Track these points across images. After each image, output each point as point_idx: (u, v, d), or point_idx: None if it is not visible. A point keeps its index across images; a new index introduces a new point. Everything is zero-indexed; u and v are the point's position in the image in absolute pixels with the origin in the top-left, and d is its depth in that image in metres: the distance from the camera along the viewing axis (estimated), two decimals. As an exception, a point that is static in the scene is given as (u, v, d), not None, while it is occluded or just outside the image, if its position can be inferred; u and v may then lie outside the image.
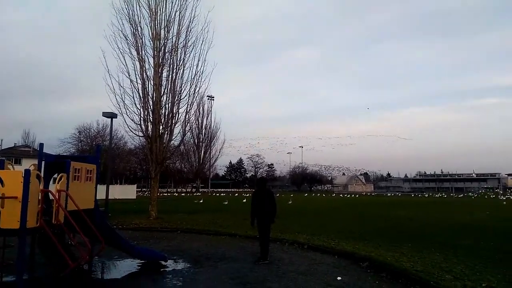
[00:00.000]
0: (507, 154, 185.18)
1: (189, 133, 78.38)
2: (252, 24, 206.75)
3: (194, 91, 18.98)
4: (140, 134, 18.78)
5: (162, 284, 6.71)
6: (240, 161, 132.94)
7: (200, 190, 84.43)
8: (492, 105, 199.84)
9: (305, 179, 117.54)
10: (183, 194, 66.18)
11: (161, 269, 7.85)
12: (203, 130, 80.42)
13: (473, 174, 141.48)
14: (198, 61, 19.10)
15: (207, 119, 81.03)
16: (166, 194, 68.99)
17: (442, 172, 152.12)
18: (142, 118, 18.40)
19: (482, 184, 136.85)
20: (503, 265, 7.82)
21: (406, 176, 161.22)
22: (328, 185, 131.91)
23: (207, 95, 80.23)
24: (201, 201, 37.06)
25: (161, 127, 18.34)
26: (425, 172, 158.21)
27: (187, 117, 18.99)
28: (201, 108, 79.85)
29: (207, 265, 8.21)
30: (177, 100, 18.87)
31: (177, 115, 18.81)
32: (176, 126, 18.87)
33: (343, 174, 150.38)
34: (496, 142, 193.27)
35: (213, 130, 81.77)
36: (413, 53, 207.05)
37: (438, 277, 6.64)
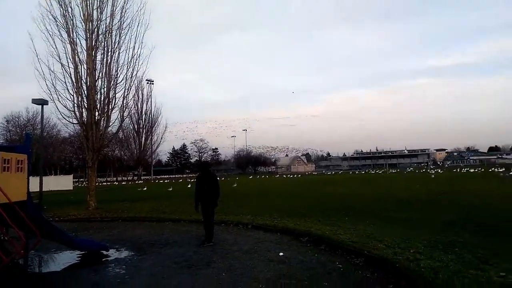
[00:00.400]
0: (435, 131, 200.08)
1: (128, 119, 75.84)
2: (190, 7, 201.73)
3: (131, 74, 18.29)
4: (74, 121, 17.81)
5: (105, 274, 6.56)
6: (184, 146, 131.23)
7: (142, 177, 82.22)
8: (422, 85, 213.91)
9: (249, 162, 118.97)
10: (124, 183, 64.14)
11: (103, 259, 7.64)
12: (143, 116, 78.13)
13: (405, 151, 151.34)
14: (135, 43, 18.40)
15: (147, 104, 78.71)
16: (105, 183, 66.46)
17: (377, 150, 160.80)
18: (76, 104, 17.43)
19: (413, 159, 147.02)
20: (430, 233, 8.53)
21: (344, 155, 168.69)
22: (272, 167, 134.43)
23: (146, 79, 77.96)
24: (145, 188, 36.20)
25: (96, 113, 17.51)
26: (362, 151, 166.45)
27: (124, 102, 18.33)
28: (140, 92, 77.27)
29: (150, 252, 8.12)
30: (113, 84, 18.07)
31: (113, 100, 18.06)
32: (113, 112, 18.12)
33: (286, 155, 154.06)
34: (425, 120, 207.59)
35: (153, 115, 79.56)
36: (348, 38, 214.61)
37: (371, 246, 7.14)
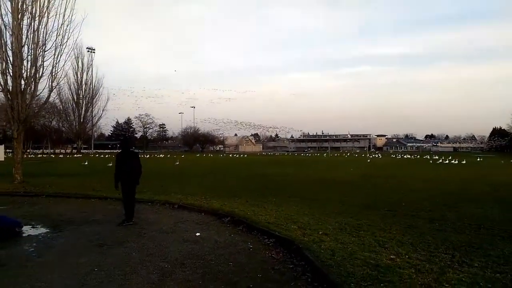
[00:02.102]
0: (377, 117, 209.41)
1: (67, 88, 71.77)
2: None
3: (61, 42, 17.22)
4: (-1, 89, 16.63)
5: (11, 251, 6.29)
6: (128, 120, 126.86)
7: (82, 151, 78.71)
8: (365, 72, 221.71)
9: (196, 140, 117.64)
10: (61, 156, 61.09)
11: (14, 236, 7.31)
12: (83, 86, 74.19)
13: (348, 135, 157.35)
14: (65, 9, 17.27)
15: (87, 74, 74.64)
16: (41, 155, 62.95)
17: (322, 133, 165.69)
18: (0, 71, 16.25)
19: (355, 144, 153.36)
20: (344, 215, 9.07)
21: (292, 136, 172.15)
22: (220, 146, 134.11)
23: (86, 47, 73.95)
24: (86, 163, 34.49)
25: (22, 81, 16.40)
26: (308, 133, 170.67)
27: (54, 71, 17.23)
28: (80, 61, 73.29)
29: (67, 229, 7.89)
30: (40, 51, 16.96)
31: (41, 68, 16.97)
32: (40, 80, 17.05)
33: (235, 135, 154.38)
34: (368, 106, 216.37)
35: (94, 86, 75.75)
36: (298, 20, 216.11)
37: (284, 227, 7.45)
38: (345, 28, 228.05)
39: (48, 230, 7.90)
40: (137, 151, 9.71)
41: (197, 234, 7.31)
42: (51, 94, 18.84)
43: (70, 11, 17.45)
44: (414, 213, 9.44)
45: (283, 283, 4.79)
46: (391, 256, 5.60)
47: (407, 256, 5.61)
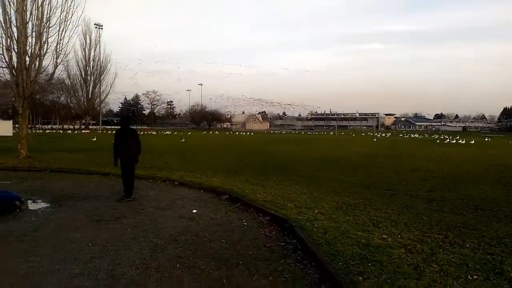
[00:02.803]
0: (386, 95, 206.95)
1: (75, 65, 71.76)
2: None
3: (66, 18, 17.07)
4: (3, 65, 16.65)
5: (10, 226, 6.41)
6: (137, 97, 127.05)
7: (90, 127, 79.32)
8: (375, 50, 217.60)
9: (204, 117, 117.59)
10: (69, 132, 61.65)
11: (15, 211, 7.44)
12: (91, 63, 74.13)
13: (357, 114, 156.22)
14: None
15: (95, 50, 74.44)
16: (49, 131, 63.61)
17: (330, 112, 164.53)
18: (4, 47, 16.22)
19: (363, 122, 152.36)
20: (342, 195, 9.07)
21: (299, 115, 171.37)
22: (227, 123, 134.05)
23: (94, 23, 73.46)
24: (94, 139, 34.61)
25: (27, 57, 16.38)
26: (316, 112, 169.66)
27: (58, 47, 17.15)
28: (88, 38, 72.95)
29: (66, 205, 8.01)
30: (44, 28, 16.84)
31: (46, 44, 16.90)
32: (45, 57, 17.01)
33: (243, 112, 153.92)
34: (378, 84, 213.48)
35: (102, 62, 75.57)
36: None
37: (281, 205, 7.49)
38: (355, 6, 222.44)
39: (48, 205, 8.02)
40: (135, 128, 9.70)
41: (194, 211, 7.38)
42: (58, 70, 18.84)
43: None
44: (413, 193, 9.42)
45: (273, 261, 4.83)
46: (383, 236, 5.61)
47: (399, 236, 5.61)
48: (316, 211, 7.10)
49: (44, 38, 16.91)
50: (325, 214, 6.87)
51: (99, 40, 75.00)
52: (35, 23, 16.61)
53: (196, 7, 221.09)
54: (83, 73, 74.59)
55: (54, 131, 66.12)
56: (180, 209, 7.56)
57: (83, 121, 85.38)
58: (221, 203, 8.28)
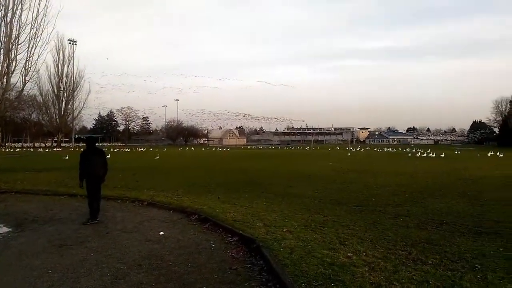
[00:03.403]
0: (361, 110, 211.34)
1: (47, 81, 70.25)
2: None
3: (35, 35, 16.83)
4: (-31, 83, 16.20)
5: (-35, 254, 6.13)
6: (111, 113, 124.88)
7: (62, 145, 77.28)
8: (350, 66, 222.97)
9: (180, 133, 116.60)
10: (40, 150, 59.85)
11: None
12: (64, 79, 72.76)
13: (332, 128, 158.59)
14: (40, 1, 16.88)
15: (68, 66, 73.18)
16: (19, 149, 61.60)
17: (306, 126, 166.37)
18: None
19: (339, 137, 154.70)
20: (312, 212, 9.12)
21: (276, 130, 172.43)
22: (204, 139, 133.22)
23: (68, 39, 72.43)
24: (67, 157, 33.42)
25: (-7, 75, 16.02)
26: (293, 126, 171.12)
27: (27, 64, 16.84)
28: (61, 53, 71.80)
29: (29, 229, 7.74)
30: (14, 44, 16.53)
31: (14, 62, 16.57)
32: (13, 74, 16.66)
33: (220, 128, 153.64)
34: (352, 99, 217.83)
35: (76, 78, 74.38)
36: (286, 13, 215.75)
37: (250, 225, 7.45)
38: (331, 22, 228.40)
39: (9, 230, 7.72)
40: (102, 148, 9.52)
41: (161, 233, 7.25)
42: (28, 87, 18.48)
43: (45, 3, 17.10)
44: (381, 209, 9.57)
45: (237, 284, 4.78)
46: (349, 254, 5.65)
47: (364, 254, 5.67)
48: (285, 230, 7.10)
49: (13, 55, 16.60)
50: (294, 233, 6.88)
51: (73, 56, 74.03)
52: (3, 40, 16.31)
53: (172, 22, 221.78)
54: (55, 90, 73.19)
55: (24, 149, 63.99)
56: (147, 231, 7.41)
57: (55, 139, 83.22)
58: (190, 223, 8.18)
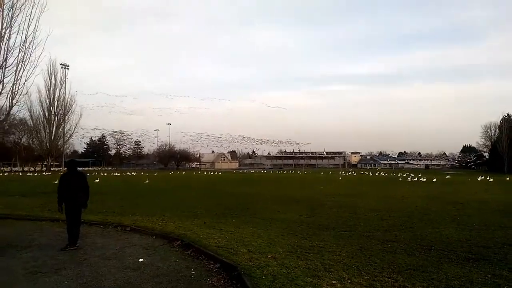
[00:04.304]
0: (352, 134, 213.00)
1: (38, 105, 70.04)
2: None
3: (23, 58, 16.78)
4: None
5: None
6: (103, 137, 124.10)
7: (52, 169, 76.26)
8: (340, 91, 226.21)
9: (172, 157, 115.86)
10: (29, 174, 58.96)
11: None
12: (56, 102, 72.61)
13: (324, 153, 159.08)
14: (29, 25, 16.92)
15: (60, 90, 73.17)
16: (8, 173, 60.67)
17: (299, 150, 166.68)
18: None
19: (331, 161, 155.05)
20: (299, 237, 8.92)
21: (268, 154, 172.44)
22: (196, 163, 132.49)
23: (60, 63, 72.72)
24: (56, 181, 32.91)
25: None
26: (285, 150, 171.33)
27: (14, 88, 16.71)
28: (53, 77, 71.93)
29: (5, 255, 7.43)
30: (1, 68, 16.44)
31: (1, 85, 16.44)
32: None
33: (212, 152, 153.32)
34: (344, 123, 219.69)
35: (67, 102, 74.32)
36: (276, 38, 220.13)
37: (233, 251, 7.23)
38: (321, 47, 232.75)
39: (-15, 257, 7.42)
40: (83, 171, 9.29)
41: (140, 260, 6.99)
42: (16, 110, 18.30)
43: (34, 27, 17.13)
44: (369, 234, 9.40)
45: (215, 314, 4.56)
46: (333, 281, 5.46)
47: (349, 281, 5.49)
48: (269, 256, 6.90)
49: (0, 79, 16.48)
50: (278, 259, 6.68)
51: (65, 80, 74.05)
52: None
53: (164, 44, 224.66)
54: (46, 113, 72.92)
55: (13, 173, 62.99)
56: (126, 258, 7.14)
57: (45, 163, 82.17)
58: (172, 250, 7.92)
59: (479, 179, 44.52)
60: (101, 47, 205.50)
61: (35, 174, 58.06)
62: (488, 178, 44.22)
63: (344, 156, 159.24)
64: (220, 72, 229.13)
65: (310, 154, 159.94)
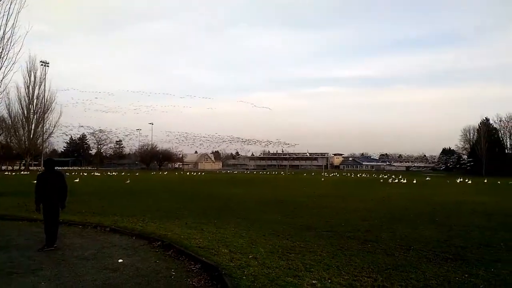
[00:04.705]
0: (335, 136, 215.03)
1: (17, 103, 68.45)
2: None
3: (1, 54, 16.39)
4: None
5: None
6: (83, 136, 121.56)
7: (31, 168, 74.55)
8: (322, 94, 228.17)
9: (154, 157, 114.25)
10: (6, 173, 57.50)
11: None
12: (35, 100, 71.05)
13: (307, 154, 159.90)
14: (7, 21, 16.54)
15: (39, 88, 71.58)
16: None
17: (282, 151, 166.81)
18: None
19: (314, 162, 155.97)
20: (281, 238, 8.93)
21: (252, 154, 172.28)
22: (179, 163, 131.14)
23: (40, 60, 71.17)
24: (34, 181, 32.10)
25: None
26: (269, 151, 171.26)
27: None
28: (32, 75, 70.38)
29: (-21, 256, 7.24)
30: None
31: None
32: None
33: (195, 152, 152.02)
34: (327, 125, 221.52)
35: (47, 100, 72.66)
36: (264, 41, 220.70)
37: (214, 252, 7.19)
38: (307, 50, 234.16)
39: (-42, 258, 7.18)
40: (61, 171, 9.13)
41: (120, 260, 6.87)
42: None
43: (13, 23, 16.75)
44: (350, 234, 9.48)
45: (195, 315, 4.52)
46: (313, 281, 5.49)
47: (329, 281, 5.52)
48: (250, 256, 6.88)
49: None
50: (259, 259, 6.67)
51: (45, 78, 72.45)
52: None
53: (149, 45, 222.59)
54: (25, 111, 71.24)
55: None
56: (105, 259, 7.02)
57: (24, 162, 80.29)
58: (152, 250, 7.82)
59: (458, 181, 45.54)
60: (83, 45, 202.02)
61: (13, 173, 56.70)
62: (466, 180, 45.23)
63: (327, 158, 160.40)
64: (207, 73, 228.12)
65: (294, 155, 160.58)
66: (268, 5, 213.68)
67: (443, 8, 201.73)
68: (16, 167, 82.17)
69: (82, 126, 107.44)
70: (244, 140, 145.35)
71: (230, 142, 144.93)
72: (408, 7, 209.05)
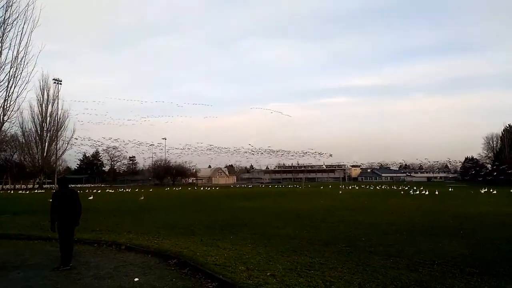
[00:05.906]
0: (352, 146, 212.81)
1: (30, 121, 69.61)
2: (114, 6, 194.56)
3: (15, 74, 16.64)
4: None
5: None
6: (96, 153, 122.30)
7: (45, 186, 75.26)
8: (337, 104, 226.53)
9: (168, 173, 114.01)
10: (20, 192, 58.26)
11: None
12: (48, 118, 72.22)
13: (323, 166, 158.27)
14: (21, 40, 16.86)
15: (52, 106, 72.76)
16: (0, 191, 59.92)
17: (298, 164, 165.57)
18: None
19: (331, 174, 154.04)
20: (299, 254, 8.66)
21: (267, 168, 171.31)
22: (192, 178, 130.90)
23: (53, 78, 72.38)
24: (50, 200, 32.51)
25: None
26: (284, 164, 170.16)
27: (5, 104, 16.51)
28: (45, 93, 71.77)
29: (-5, 277, 7.18)
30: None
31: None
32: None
33: (209, 166, 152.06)
34: (343, 136, 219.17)
35: (60, 118, 73.67)
36: (272, 53, 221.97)
37: (231, 269, 6.97)
38: (319, 60, 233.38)
39: (-26, 278, 7.14)
40: (75, 189, 9.08)
41: (136, 279, 6.73)
42: (8, 127, 18.11)
43: (26, 42, 17.06)
44: (372, 249, 9.17)
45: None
46: (335, 300, 5.23)
47: (352, 300, 5.25)
48: (268, 274, 6.65)
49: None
50: (277, 277, 6.44)
51: (58, 96, 73.33)
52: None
53: (162, 60, 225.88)
54: (38, 129, 72.39)
55: (4, 191, 62.05)
56: (121, 278, 6.88)
57: (37, 180, 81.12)
58: (168, 268, 7.65)
59: (482, 191, 44.13)
60: (95, 62, 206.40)
61: (27, 192, 57.38)
62: (491, 190, 43.80)
63: (344, 170, 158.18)
64: (219, 86, 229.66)
65: (310, 168, 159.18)
66: (280, 18, 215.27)
67: (461, 13, 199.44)
68: (29, 186, 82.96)
69: (95, 142, 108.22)
70: (274, 150, 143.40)
71: (262, 153, 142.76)
72: (426, 14, 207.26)
